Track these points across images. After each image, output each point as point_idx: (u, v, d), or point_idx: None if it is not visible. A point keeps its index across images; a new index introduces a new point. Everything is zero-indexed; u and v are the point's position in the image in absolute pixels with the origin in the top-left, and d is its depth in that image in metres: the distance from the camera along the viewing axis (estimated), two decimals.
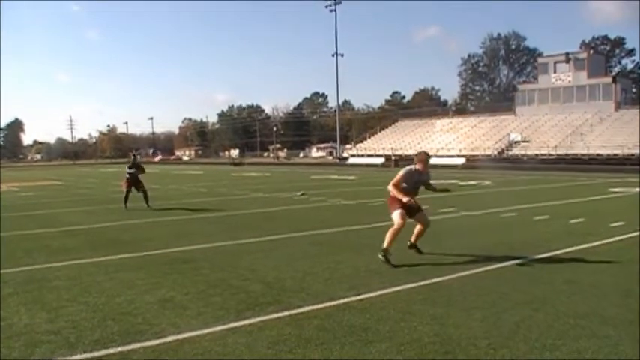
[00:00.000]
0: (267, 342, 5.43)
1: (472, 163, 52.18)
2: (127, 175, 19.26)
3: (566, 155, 49.76)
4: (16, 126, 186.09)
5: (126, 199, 18.70)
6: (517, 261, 9.00)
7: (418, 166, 9.62)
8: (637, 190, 22.49)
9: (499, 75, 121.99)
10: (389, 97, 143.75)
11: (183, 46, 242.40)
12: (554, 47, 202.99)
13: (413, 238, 9.86)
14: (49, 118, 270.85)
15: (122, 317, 6.32)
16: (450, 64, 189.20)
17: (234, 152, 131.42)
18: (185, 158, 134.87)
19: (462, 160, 54.70)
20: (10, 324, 6.16)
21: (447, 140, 64.90)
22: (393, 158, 58.83)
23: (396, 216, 9.24)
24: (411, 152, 61.87)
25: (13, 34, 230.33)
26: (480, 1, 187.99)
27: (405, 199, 9.17)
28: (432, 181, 9.93)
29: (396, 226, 9.18)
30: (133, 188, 18.98)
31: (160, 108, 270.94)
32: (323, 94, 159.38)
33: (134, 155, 20.83)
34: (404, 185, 9.42)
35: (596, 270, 8.38)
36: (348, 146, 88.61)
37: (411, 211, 9.48)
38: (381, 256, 9.07)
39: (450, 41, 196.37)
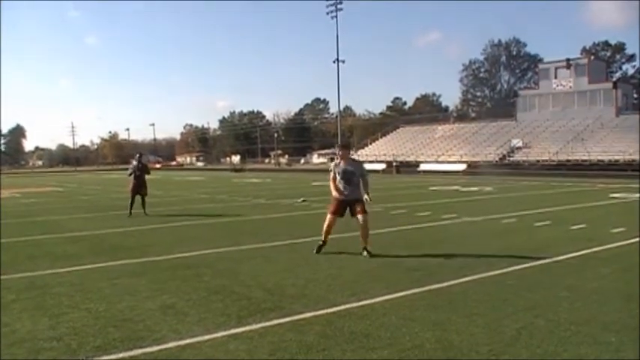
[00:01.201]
0: (268, 348, 5.43)
1: (473, 169, 52.16)
2: (133, 175, 19.18)
3: (568, 161, 49.75)
4: (18, 132, 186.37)
5: (131, 205, 18.74)
6: (518, 267, 9.00)
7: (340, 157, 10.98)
8: (638, 195, 22.47)
9: (500, 81, 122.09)
10: (390, 103, 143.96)
11: (184, 51, 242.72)
12: (555, 53, 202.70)
13: (362, 244, 10.44)
14: (51, 124, 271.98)
15: (123, 324, 6.32)
16: (451, 70, 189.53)
17: (236, 158, 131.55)
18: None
19: (463, 166, 54.68)
20: (13, 330, 6.17)
21: (448, 146, 64.90)
22: (394, 164, 58.83)
23: (328, 216, 10.69)
24: (412, 158, 62.08)
25: (14, 40, 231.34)
26: (481, 7, 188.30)
27: (334, 193, 10.62)
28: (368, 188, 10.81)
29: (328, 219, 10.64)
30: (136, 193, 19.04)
31: (162, 114, 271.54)
32: (324, 100, 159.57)
33: (140, 154, 20.67)
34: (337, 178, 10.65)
35: (597, 276, 8.37)
36: None
37: (351, 209, 10.57)
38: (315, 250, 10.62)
39: (451, 47, 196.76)
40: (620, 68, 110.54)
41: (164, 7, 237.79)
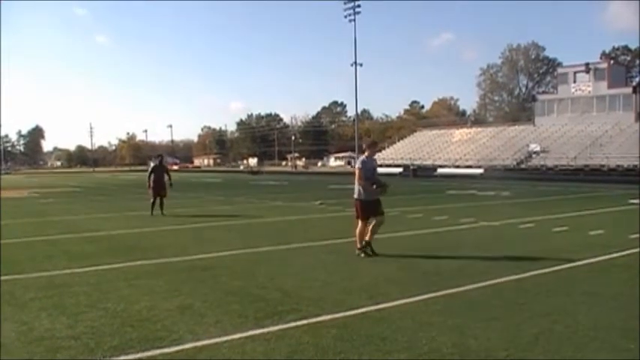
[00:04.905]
0: (285, 351, 5.43)
1: (491, 173, 51.93)
2: (153, 177, 19.30)
3: (586, 166, 49.37)
4: (37, 132, 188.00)
5: (153, 205, 18.90)
6: (536, 272, 8.94)
7: (366, 153, 10.95)
8: None
9: (518, 85, 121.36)
10: (407, 107, 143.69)
11: (202, 54, 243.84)
12: (574, 57, 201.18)
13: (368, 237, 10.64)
14: (70, 125, 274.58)
15: (141, 324, 6.35)
16: (469, 74, 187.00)
17: (253, 161, 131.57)
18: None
19: (480, 171, 54.44)
20: (31, 328, 6.22)
21: (465, 150, 64.66)
22: (411, 168, 58.67)
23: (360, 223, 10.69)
24: (429, 162, 61.86)
25: (30, 40, 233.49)
26: (499, 11, 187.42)
27: (376, 188, 10.56)
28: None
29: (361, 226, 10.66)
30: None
31: (179, 116, 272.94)
32: (342, 103, 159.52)
33: (160, 156, 21.05)
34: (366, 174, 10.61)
35: (615, 282, 8.30)
36: None
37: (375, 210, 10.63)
38: (360, 253, 10.51)
39: (468, 51, 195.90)
40: None
41: (184, 10, 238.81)
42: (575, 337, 5.73)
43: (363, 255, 10.43)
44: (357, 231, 10.66)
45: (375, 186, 10.51)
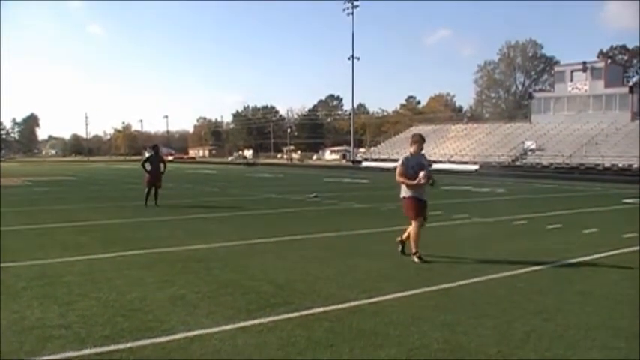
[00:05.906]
0: (276, 343, 5.44)
1: (486, 170, 52.00)
2: (148, 169, 19.12)
3: (581, 165, 49.47)
4: (32, 121, 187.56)
5: (147, 196, 18.78)
6: (529, 269, 8.96)
7: (412, 149, 10.02)
8: None
9: (515, 82, 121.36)
10: (404, 102, 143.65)
11: (200, 45, 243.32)
12: (571, 56, 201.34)
13: (404, 236, 10.05)
14: (65, 114, 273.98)
15: (132, 314, 6.35)
16: (466, 70, 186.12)
17: (248, 153, 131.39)
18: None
19: (475, 167, 54.50)
20: (23, 317, 6.21)
21: (461, 146, 64.72)
22: None
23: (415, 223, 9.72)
24: None
25: (26, 29, 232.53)
26: (498, 9, 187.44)
27: (417, 181, 9.62)
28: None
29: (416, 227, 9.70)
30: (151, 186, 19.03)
31: (175, 106, 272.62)
32: (338, 97, 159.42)
33: (156, 146, 20.89)
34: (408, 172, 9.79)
35: (608, 281, 8.32)
36: (362, 150, 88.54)
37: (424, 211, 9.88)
38: (416, 259, 9.56)
39: (466, 47, 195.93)
40: (637, 73, 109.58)
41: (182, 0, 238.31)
42: (567, 336, 5.74)
43: (417, 260, 9.52)
44: (412, 234, 9.73)
45: (416, 181, 9.60)
